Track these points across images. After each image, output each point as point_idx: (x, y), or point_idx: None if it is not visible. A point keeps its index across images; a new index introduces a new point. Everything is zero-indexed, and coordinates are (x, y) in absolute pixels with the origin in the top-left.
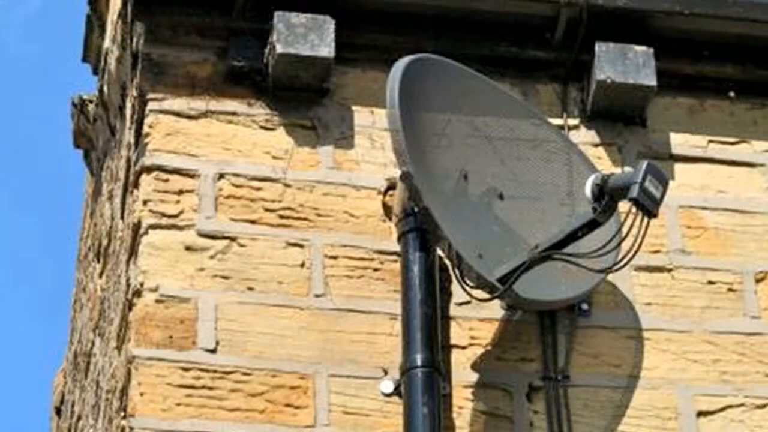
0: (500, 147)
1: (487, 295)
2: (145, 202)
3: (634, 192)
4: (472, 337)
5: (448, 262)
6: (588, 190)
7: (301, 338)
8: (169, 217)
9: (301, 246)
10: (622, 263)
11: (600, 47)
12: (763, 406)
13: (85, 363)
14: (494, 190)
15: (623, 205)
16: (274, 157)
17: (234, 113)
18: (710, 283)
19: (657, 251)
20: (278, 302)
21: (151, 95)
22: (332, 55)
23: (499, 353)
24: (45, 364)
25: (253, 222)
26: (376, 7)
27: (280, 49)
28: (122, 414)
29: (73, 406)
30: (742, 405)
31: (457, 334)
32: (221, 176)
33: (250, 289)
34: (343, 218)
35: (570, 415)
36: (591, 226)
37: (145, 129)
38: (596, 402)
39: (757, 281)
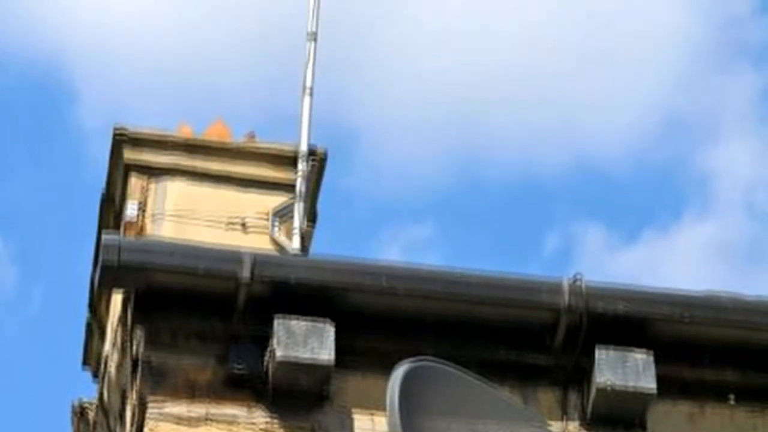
0: None
1: None
2: None
3: None
4: None
5: None
6: None
7: None
8: None
9: None
10: None
11: (600, 352)
12: None
13: None
14: None
15: None
16: None
17: (234, 418)
18: None
19: None
20: None
21: (151, 400)
22: (332, 360)
23: None
24: None
25: None
26: (376, 312)
27: (280, 354)
28: None
29: None
30: None
31: None
32: None
33: None
34: None
35: None
36: None
37: None
38: None
39: None
